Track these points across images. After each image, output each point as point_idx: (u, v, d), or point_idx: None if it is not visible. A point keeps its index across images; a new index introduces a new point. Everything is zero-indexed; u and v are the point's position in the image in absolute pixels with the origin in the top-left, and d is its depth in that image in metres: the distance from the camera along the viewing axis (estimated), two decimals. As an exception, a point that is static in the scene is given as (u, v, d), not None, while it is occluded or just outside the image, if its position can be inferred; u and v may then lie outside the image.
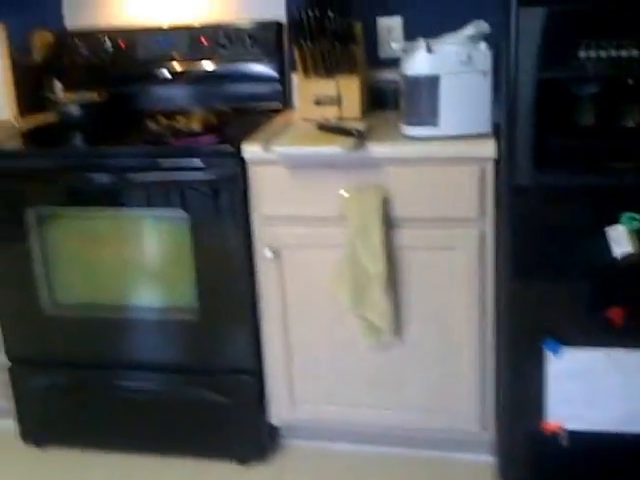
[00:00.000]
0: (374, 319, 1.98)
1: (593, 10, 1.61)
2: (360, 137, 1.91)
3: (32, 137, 2.30)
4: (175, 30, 2.43)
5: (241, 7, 2.42)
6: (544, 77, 1.67)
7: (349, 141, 1.88)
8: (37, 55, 2.50)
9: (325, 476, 2.15)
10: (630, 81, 1.70)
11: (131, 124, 2.33)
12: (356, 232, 1.91)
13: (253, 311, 2.08)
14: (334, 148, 1.86)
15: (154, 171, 1.98)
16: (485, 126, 1.91)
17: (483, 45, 1.86)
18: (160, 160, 1.97)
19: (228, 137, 2.02)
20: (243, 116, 2.27)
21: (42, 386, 2.25)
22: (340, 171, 1.92)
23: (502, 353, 1.93)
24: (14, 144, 2.22)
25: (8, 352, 2.26)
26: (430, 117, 1.90)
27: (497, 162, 1.85)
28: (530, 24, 1.64)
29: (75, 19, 2.54)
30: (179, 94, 2.45)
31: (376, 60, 2.37)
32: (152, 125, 2.07)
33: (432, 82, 1.87)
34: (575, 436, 1.87)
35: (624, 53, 1.60)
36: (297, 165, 1.94)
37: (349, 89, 2.16)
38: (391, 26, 2.35)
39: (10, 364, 2.27)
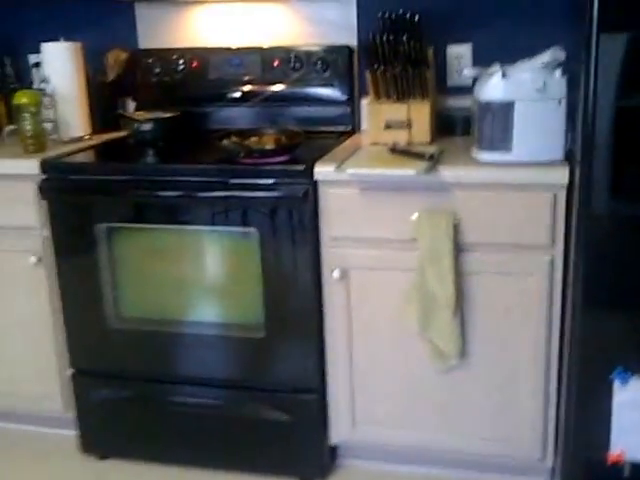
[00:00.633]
0: (441, 344, 1.98)
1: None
2: (433, 161, 1.91)
3: (103, 152, 2.36)
4: (247, 51, 2.47)
5: (313, 31, 2.46)
6: (623, 105, 1.65)
7: (422, 164, 1.88)
8: (111, 73, 2.56)
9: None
10: None
11: (202, 142, 2.37)
12: (426, 256, 1.91)
13: (318, 331, 2.09)
14: (408, 171, 1.87)
15: (225, 189, 2.00)
16: (558, 153, 1.90)
17: (558, 72, 1.86)
18: (231, 178, 2.00)
19: (300, 157, 2.04)
20: (312, 137, 2.28)
21: (104, 398, 2.28)
22: (411, 195, 1.93)
23: (567, 380, 1.91)
24: (86, 158, 2.27)
25: (72, 363, 2.30)
26: (503, 142, 1.90)
27: (569, 189, 1.85)
28: (610, 50, 1.62)
29: (149, 40, 2.60)
30: (249, 115, 2.48)
31: (444, 87, 2.38)
32: (225, 143, 2.10)
33: (506, 108, 1.88)
34: (638, 467, 1.84)
35: None
36: (368, 187, 1.95)
37: (420, 114, 2.17)
38: (460, 53, 2.37)
39: (74, 375, 2.31)
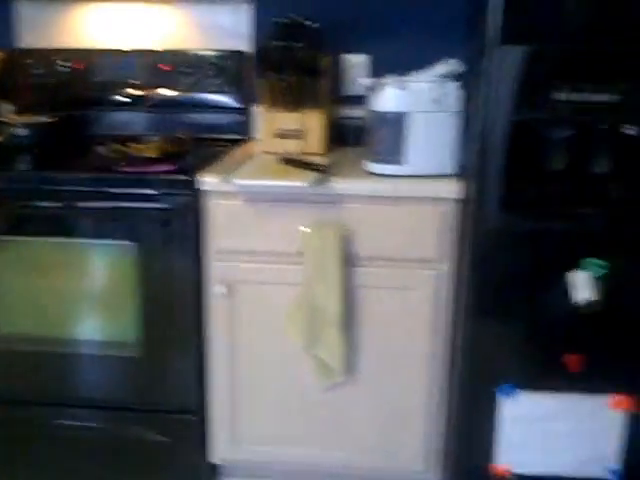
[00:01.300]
0: (327, 359, 1.93)
1: (571, 52, 1.59)
2: (324, 172, 1.85)
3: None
4: (136, 54, 2.36)
5: (206, 36, 2.37)
6: (516, 119, 1.64)
7: (313, 176, 1.82)
8: (-15, 74, 2.39)
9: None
10: (603, 126, 1.69)
11: (83, 149, 2.24)
12: (314, 269, 1.85)
13: (199, 348, 2.01)
14: (298, 182, 1.80)
15: (104, 199, 1.89)
16: (451, 167, 1.88)
17: (454, 85, 1.84)
18: (110, 188, 1.89)
19: (184, 166, 1.95)
20: (202, 146, 2.20)
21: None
22: (300, 206, 1.87)
23: (454, 394, 1.91)
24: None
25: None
26: (396, 155, 1.87)
27: (461, 203, 1.83)
28: (504, 64, 1.61)
29: (30, 39, 2.44)
30: (137, 120, 2.37)
31: (340, 97, 2.33)
32: (103, 150, 1.97)
33: (400, 119, 1.85)
34: (523, 480, 1.87)
35: (598, 98, 1.59)
36: (256, 199, 1.87)
37: (313, 123, 2.11)
38: (357, 63, 2.32)
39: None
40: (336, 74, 2.31)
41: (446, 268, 1.88)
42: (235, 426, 2.07)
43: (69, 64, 2.37)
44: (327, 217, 1.86)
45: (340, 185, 1.84)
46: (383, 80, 1.90)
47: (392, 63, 2.00)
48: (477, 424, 1.85)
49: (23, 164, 2.13)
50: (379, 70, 2.07)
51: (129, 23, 2.42)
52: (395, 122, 1.85)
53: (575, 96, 1.60)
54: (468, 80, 1.81)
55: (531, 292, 1.74)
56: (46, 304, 2.04)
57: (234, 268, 1.94)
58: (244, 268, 1.93)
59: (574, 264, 1.69)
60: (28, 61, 2.38)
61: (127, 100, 2.36)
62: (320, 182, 1.82)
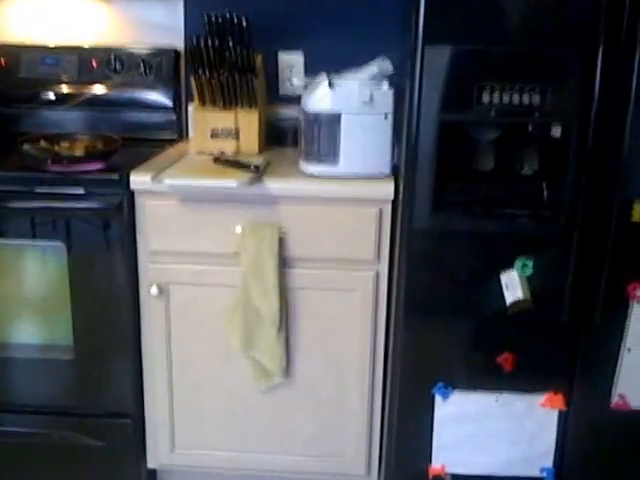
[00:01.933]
0: (265, 361, 1.92)
1: (497, 53, 1.61)
2: (257, 172, 1.83)
3: None
4: (63, 50, 2.29)
5: (137, 32, 2.32)
6: (445, 119, 1.65)
7: (245, 176, 1.80)
8: None
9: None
10: (530, 127, 1.72)
11: (8, 148, 2.15)
12: (250, 270, 1.83)
13: (135, 351, 1.98)
14: (229, 182, 1.78)
15: (31, 199, 1.84)
16: (385, 167, 1.88)
17: (385, 85, 1.84)
18: (36, 187, 1.84)
19: (114, 165, 1.91)
20: (134, 145, 2.14)
21: None
22: (235, 207, 1.85)
23: (390, 395, 1.91)
24: None
25: None
26: (330, 156, 1.86)
27: (395, 204, 1.83)
28: (434, 63, 1.62)
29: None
30: (65, 118, 2.30)
31: (275, 96, 2.31)
32: (29, 149, 1.91)
33: (333, 120, 1.84)
34: (459, 480, 1.88)
35: (525, 99, 1.61)
36: (189, 199, 1.85)
37: (248, 123, 2.08)
38: (292, 62, 2.30)
39: None
40: (271, 73, 2.29)
41: (382, 269, 1.89)
42: (173, 430, 2.05)
43: (-6, 59, 2.29)
44: (262, 218, 1.84)
45: (273, 185, 1.83)
46: (315, 80, 1.89)
47: (327, 61, 1.98)
48: (413, 425, 1.86)
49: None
50: (315, 69, 2.05)
51: (58, 18, 2.34)
52: (327, 122, 1.84)
53: (500, 98, 1.61)
54: (399, 80, 1.81)
55: (463, 292, 1.75)
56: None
57: (169, 270, 1.91)
58: (179, 269, 1.91)
59: (504, 263, 1.71)
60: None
61: (55, 98, 2.29)
62: (253, 182, 1.80)
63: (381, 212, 1.83)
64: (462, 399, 1.82)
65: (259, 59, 2.10)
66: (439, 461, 1.87)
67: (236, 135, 2.09)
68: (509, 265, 1.71)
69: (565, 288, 1.70)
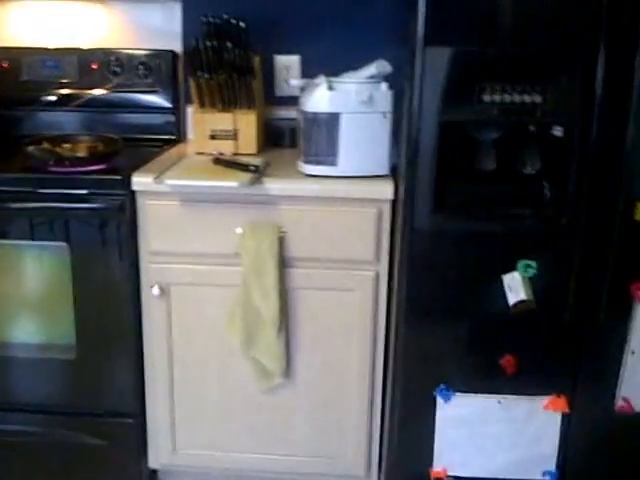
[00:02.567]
0: (265, 362, 1.92)
1: (498, 54, 1.61)
2: (257, 173, 1.85)
3: None
4: (64, 53, 2.30)
5: (136, 34, 2.34)
6: (446, 120, 1.65)
7: (246, 176, 1.82)
8: None
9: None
10: (531, 127, 1.72)
11: (10, 149, 2.17)
12: (250, 271, 1.84)
13: (137, 351, 1.98)
14: (230, 183, 1.79)
15: (34, 200, 1.85)
16: (384, 167, 1.89)
17: (384, 85, 1.85)
18: (39, 188, 1.85)
19: (117, 166, 1.92)
20: (134, 146, 2.16)
21: None
22: (235, 207, 1.86)
23: (391, 397, 1.90)
24: None
25: None
26: (329, 156, 1.87)
27: (394, 204, 1.84)
28: (435, 64, 1.62)
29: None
30: (66, 120, 2.32)
31: (272, 98, 2.33)
32: (31, 149, 1.93)
33: (332, 120, 1.85)
34: (460, 483, 1.87)
35: (527, 99, 1.61)
36: (190, 199, 1.86)
37: (246, 124, 2.10)
38: (289, 63, 2.33)
39: None
40: (269, 75, 2.30)
41: (382, 269, 1.89)
42: (174, 430, 2.05)
43: (-4, 63, 2.30)
44: (262, 218, 1.85)
45: (274, 186, 1.84)
46: (314, 81, 1.90)
47: (324, 63, 2.00)
48: (414, 427, 1.85)
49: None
50: (311, 70, 2.07)
51: (59, 22, 2.36)
52: (326, 123, 1.85)
53: (501, 97, 1.61)
54: (399, 81, 1.82)
55: (465, 293, 1.74)
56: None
57: (170, 270, 1.91)
58: (180, 270, 1.92)
59: (506, 264, 1.70)
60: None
61: (56, 99, 2.31)
62: (252, 183, 1.81)
63: (380, 212, 1.84)
64: (464, 401, 1.81)
65: (257, 61, 2.12)
66: (440, 464, 1.86)
67: (235, 136, 2.10)
68: (511, 266, 1.70)
69: (568, 288, 1.69)
